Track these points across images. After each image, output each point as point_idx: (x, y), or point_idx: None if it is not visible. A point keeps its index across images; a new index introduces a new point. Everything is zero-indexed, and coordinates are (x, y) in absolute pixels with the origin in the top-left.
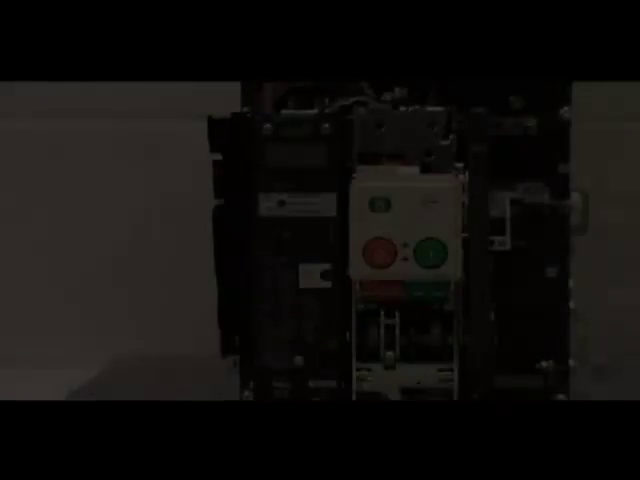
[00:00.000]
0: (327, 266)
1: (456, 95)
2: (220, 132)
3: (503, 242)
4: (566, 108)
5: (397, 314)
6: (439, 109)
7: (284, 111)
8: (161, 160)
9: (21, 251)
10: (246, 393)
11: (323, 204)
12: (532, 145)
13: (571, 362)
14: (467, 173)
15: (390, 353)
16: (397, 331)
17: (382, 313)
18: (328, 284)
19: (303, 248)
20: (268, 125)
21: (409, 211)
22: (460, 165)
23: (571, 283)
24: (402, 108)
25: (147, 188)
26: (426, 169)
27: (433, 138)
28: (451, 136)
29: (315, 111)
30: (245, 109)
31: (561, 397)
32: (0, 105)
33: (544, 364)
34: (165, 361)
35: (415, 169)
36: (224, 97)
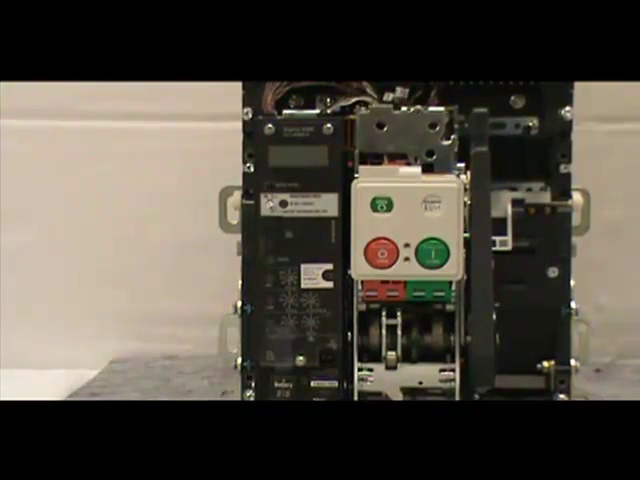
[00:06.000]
0: (329, 266)
1: (457, 95)
2: None
3: (505, 242)
4: (567, 108)
5: (399, 314)
6: (441, 109)
7: (286, 111)
8: (162, 160)
9: (21, 251)
10: (248, 393)
11: (325, 204)
12: (533, 145)
13: (572, 362)
14: (468, 173)
15: (392, 353)
16: (399, 331)
17: (384, 313)
18: (330, 284)
19: (305, 248)
20: (270, 126)
21: (411, 211)
22: (462, 165)
23: (572, 283)
24: (404, 108)
25: (147, 188)
26: (428, 169)
27: (435, 138)
28: (453, 136)
29: (317, 111)
30: (246, 109)
31: (562, 397)
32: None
33: (545, 364)
34: (165, 361)
35: (417, 169)
36: (225, 97)
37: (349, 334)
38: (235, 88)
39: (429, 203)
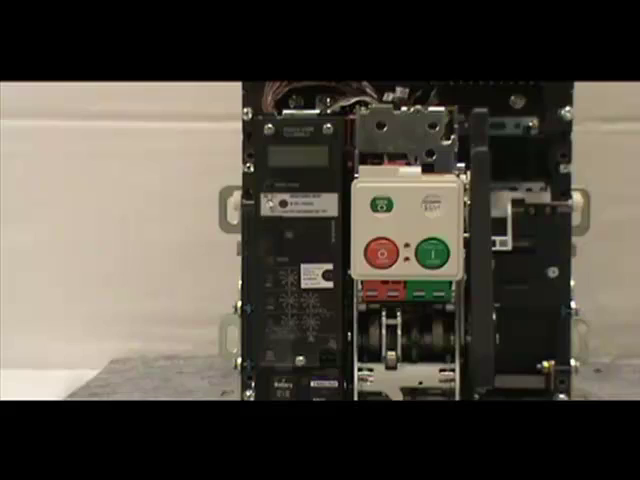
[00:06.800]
0: (329, 266)
1: (457, 95)
2: None
3: (505, 242)
4: (567, 108)
5: (399, 314)
6: (440, 109)
7: (286, 111)
8: (161, 160)
9: (21, 251)
10: (248, 393)
11: (325, 204)
12: (533, 145)
13: (572, 362)
14: (468, 173)
15: (392, 353)
16: (399, 331)
17: (384, 313)
18: (330, 284)
19: (305, 248)
20: (270, 126)
21: (411, 211)
22: (462, 165)
23: (572, 283)
24: (404, 108)
25: (147, 189)
26: (428, 169)
27: (435, 138)
28: (452, 136)
29: (317, 111)
30: (246, 109)
31: (562, 397)
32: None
33: (545, 364)
34: (165, 361)
35: (417, 169)
36: (225, 97)
37: (349, 334)
38: (235, 88)
39: (429, 203)
